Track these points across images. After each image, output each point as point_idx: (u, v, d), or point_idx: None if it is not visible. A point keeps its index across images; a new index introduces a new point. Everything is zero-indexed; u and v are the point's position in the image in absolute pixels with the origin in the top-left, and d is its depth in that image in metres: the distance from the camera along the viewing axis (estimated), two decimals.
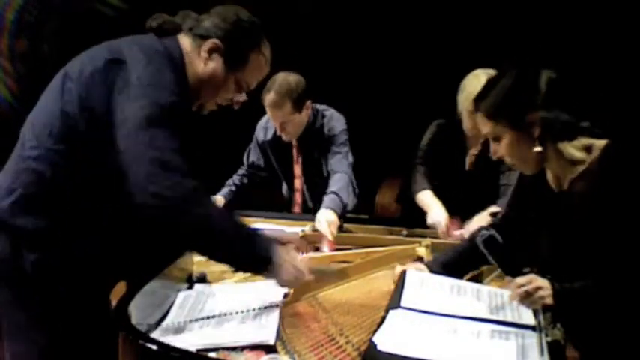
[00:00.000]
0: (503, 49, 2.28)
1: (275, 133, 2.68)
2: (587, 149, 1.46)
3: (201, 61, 1.51)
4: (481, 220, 2.09)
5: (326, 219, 2.20)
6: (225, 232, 1.39)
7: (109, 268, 1.52)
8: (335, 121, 2.65)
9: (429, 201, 2.36)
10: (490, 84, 1.50)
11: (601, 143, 1.46)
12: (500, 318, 1.43)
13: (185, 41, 1.52)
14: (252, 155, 2.83)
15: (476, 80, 2.22)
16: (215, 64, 1.52)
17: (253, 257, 1.43)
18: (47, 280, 1.42)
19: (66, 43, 3.20)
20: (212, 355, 1.29)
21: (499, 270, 1.83)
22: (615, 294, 1.38)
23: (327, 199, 2.36)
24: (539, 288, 1.36)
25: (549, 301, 1.36)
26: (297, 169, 2.72)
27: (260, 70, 1.61)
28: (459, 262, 1.74)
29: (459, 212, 1.93)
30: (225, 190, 2.77)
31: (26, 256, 1.40)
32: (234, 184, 2.81)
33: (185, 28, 1.54)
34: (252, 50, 1.55)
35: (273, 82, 2.47)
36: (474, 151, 2.47)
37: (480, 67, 2.28)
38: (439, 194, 2.44)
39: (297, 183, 2.73)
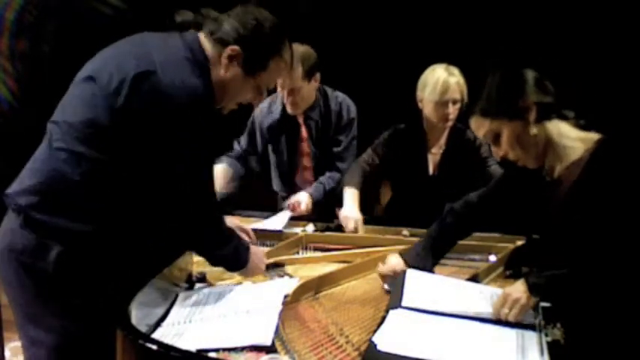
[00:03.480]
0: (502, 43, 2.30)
1: (281, 114, 2.63)
2: (582, 141, 1.50)
3: (221, 67, 1.52)
4: None
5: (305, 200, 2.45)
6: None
7: (124, 266, 1.55)
8: (351, 105, 2.66)
9: (348, 199, 2.38)
10: (479, 91, 1.56)
11: (595, 137, 1.50)
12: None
13: (206, 44, 1.52)
14: (244, 142, 2.75)
15: (436, 72, 2.39)
16: (234, 71, 1.53)
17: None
18: (67, 274, 1.46)
19: (66, 43, 3.20)
20: (212, 355, 1.29)
21: (499, 270, 1.84)
22: (587, 279, 1.42)
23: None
24: (516, 300, 1.41)
25: (532, 302, 1.41)
26: (306, 147, 2.68)
27: (280, 73, 1.63)
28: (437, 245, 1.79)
29: (427, 218, 1.94)
30: (227, 160, 2.67)
31: (49, 249, 1.44)
32: (235, 157, 2.72)
33: (205, 30, 1.54)
34: (273, 56, 1.56)
35: None
36: (435, 150, 2.53)
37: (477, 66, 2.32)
38: (405, 201, 2.53)
39: (306, 160, 2.69)
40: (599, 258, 1.40)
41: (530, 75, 1.50)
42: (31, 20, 3.31)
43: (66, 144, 1.44)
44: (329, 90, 2.67)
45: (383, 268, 1.74)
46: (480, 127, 1.55)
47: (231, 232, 1.66)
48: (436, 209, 1.94)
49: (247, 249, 1.67)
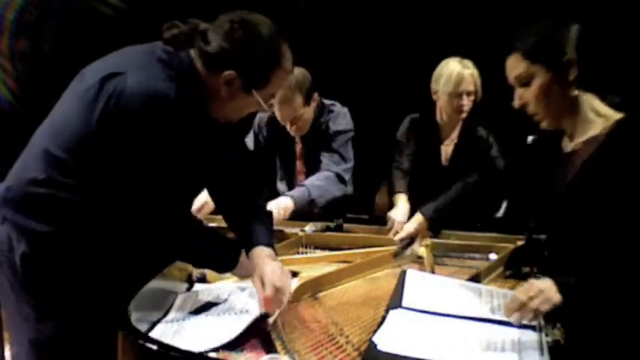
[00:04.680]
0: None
1: (275, 126, 2.59)
2: (605, 119, 1.48)
3: (220, 87, 1.46)
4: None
5: (276, 203, 2.21)
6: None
7: (98, 269, 1.55)
8: (341, 117, 2.57)
9: (398, 202, 2.44)
10: (524, 30, 1.50)
11: (617, 115, 1.48)
12: (501, 318, 1.43)
13: (198, 62, 1.46)
14: (250, 143, 2.68)
15: (450, 65, 2.47)
16: (235, 92, 1.47)
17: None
18: (35, 274, 1.48)
19: (66, 43, 3.20)
20: (212, 355, 1.29)
21: (499, 270, 1.84)
22: (604, 277, 1.38)
23: (294, 190, 2.36)
24: (541, 290, 1.34)
25: (556, 298, 1.33)
26: (300, 165, 2.65)
27: (284, 80, 1.56)
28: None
29: None
30: None
31: (17, 248, 1.46)
32: None
33: (195, 47, 1.46)
34: (273, 69, 1.48)
35: None
36: (448, 142, 2.60)
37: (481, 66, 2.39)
38: (416, 191, 2.51)
39: (301, 179, 2.63)
40: (603, 249, 1.38)
41: (574, 30, 1.45)
42: (31, 20, 3.31)
43: (41, 141, 1.47)
44: (327, 103, 2.59)
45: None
46: (515, 67, 1.49)
47: (210, 234, 1.65)
48: None
49: (234, 249, 1.60)
